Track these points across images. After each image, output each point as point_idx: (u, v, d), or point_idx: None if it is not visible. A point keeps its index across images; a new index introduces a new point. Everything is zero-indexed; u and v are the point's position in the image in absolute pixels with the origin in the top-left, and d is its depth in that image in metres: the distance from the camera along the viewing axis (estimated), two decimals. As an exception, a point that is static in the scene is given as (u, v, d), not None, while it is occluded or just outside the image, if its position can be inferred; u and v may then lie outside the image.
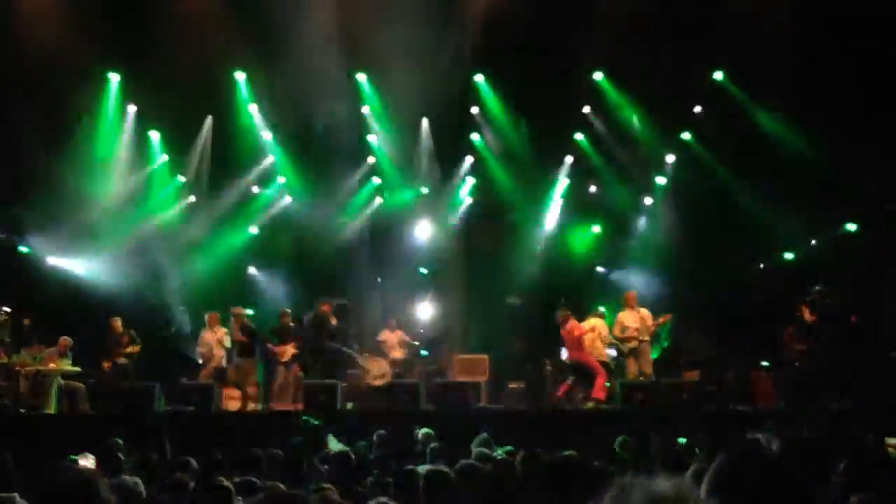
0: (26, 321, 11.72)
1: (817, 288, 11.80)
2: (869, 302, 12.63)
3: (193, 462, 5.44)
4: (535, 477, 3.25)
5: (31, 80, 12.48)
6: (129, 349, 12.25)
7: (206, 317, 12.59)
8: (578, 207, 15.57)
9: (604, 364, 11.65)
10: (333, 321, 12.82)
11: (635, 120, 14.82)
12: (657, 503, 1.58)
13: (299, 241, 15.29)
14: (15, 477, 4.04)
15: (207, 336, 12.49)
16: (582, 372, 11.45)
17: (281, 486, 4.18)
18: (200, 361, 12.78)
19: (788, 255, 14.40)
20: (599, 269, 15.66)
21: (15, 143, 12.97)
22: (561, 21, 13.09)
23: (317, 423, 7.96)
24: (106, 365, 12.08)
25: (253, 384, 12.50)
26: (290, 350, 12.46)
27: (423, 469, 4.13)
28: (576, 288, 14.64)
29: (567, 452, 4.58)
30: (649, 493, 1.59)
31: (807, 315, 11.50)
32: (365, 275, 15.40)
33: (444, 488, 3.66)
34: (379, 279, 15.59)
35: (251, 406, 12.05)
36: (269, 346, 12.67)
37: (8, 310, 11.72)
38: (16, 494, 3.04)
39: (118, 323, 12.40)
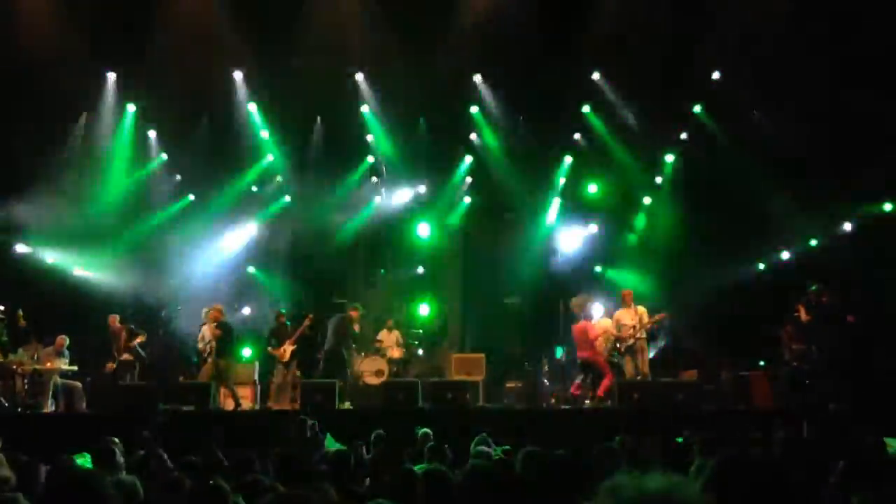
0: (21, 321, 11.66)
1: (813, 288, 11.83)
2: (866, 301, 12.67)
3: (197, 462, 5.43)
4: (534, 476, 3.25)
5: (30, 78, 12.45)
6: (137, 340, 12.20)
7: (204, 312, 12.56)
8: (577, 206, 15.57)
9: (611, 365, 11.72)
10: (356, 328, 12.89)
11: (632, 119, 14.86)
12: (648, 500, 1.59)
13: (298, 241, 15.27)
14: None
15: (207, 331, 12.46)
16: (593, 372, 11.54)
17: (279, 486, 4.17)
18: (196, 360, 12.75)
19: (786, 255, 14.46)
20: (597, 267, 15.66)
21: (13, 141, 12.95)
22: (559, 20, 13.13)
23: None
24: (109, 366, 12.03)
25: (247, 383, 12.49)
26: (288, 350, 12.47)
27: (421, 469, 4.12)
28: (573, 287, 14.64)
29: (564, 451, 4.59)
30: (640, 489, 1.60)
31: (803, 315, 11.52)
32: (363, 274, 15.40)
33: (442, 488, 3.65)
34: (376, 278, 15.59)
35: (246, 405, 12.04)
36: (269, 349, 12.68)
37: (2, 308, 11.68)
38: (19, 494, 3.04)
39: (116, 320, 12.37)
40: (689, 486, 1.69)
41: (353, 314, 13.02)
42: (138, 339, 12.25)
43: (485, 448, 6.11)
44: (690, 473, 2.23)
